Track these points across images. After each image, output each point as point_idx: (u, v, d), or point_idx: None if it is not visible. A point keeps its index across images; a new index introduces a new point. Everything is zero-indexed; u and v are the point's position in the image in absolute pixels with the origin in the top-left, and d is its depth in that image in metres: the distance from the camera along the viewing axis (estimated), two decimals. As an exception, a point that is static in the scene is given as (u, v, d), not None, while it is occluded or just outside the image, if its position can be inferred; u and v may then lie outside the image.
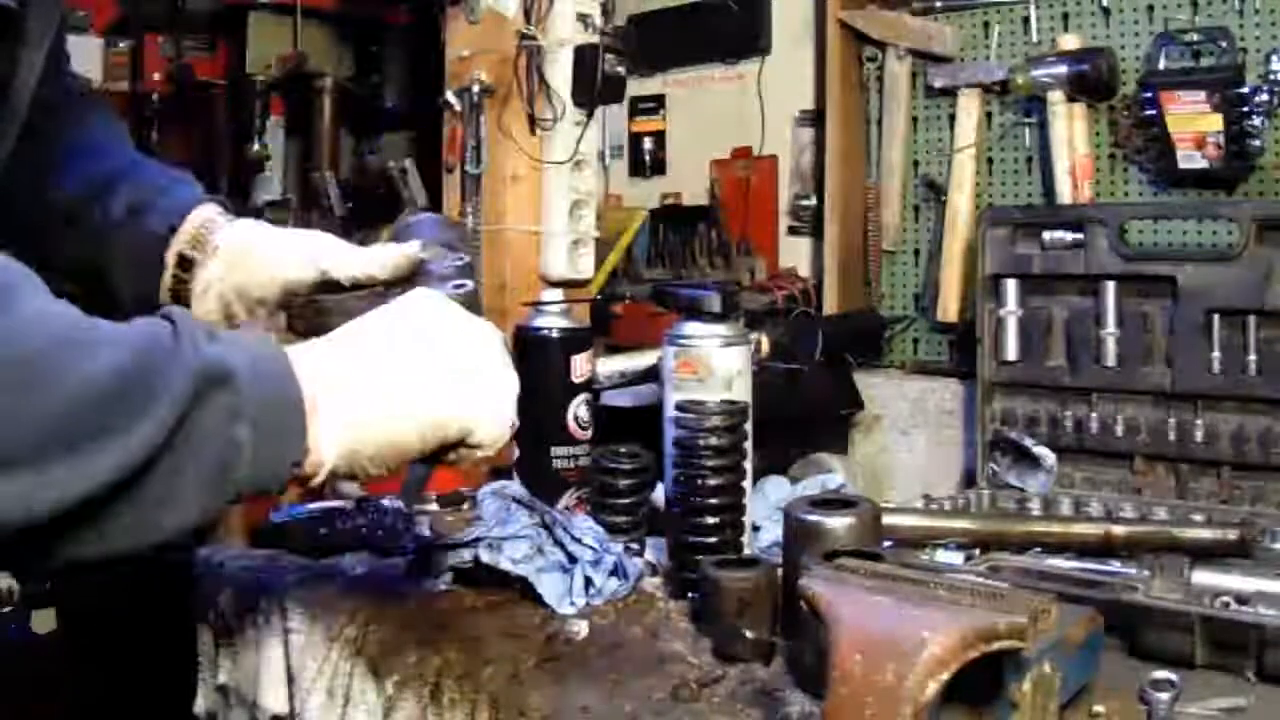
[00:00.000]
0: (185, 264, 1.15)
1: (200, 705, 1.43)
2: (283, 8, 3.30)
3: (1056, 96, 2.18)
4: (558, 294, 2.11)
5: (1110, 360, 1.85)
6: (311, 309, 1.14)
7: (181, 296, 1.16)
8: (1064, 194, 2.18)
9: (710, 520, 1.30)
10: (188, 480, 0.74)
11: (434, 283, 1.12)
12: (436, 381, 0.90)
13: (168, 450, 0.72)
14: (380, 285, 1.13)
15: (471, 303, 1.08)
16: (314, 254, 1.14)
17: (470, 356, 0.93)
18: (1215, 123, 1.97)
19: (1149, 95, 2.06)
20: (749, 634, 1.12)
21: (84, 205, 1.18)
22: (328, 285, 1.13)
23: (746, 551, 1.34)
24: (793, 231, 2.87)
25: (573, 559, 1.28)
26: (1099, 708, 1.00)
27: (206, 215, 1.17)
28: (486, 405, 0.92)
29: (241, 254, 1.15)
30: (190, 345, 0.75)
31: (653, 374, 1.87)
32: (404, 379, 0.88)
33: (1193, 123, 2.00)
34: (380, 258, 1.13)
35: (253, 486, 0.79)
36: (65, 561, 0.71)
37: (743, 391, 1.39)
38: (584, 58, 2.49)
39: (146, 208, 1.17)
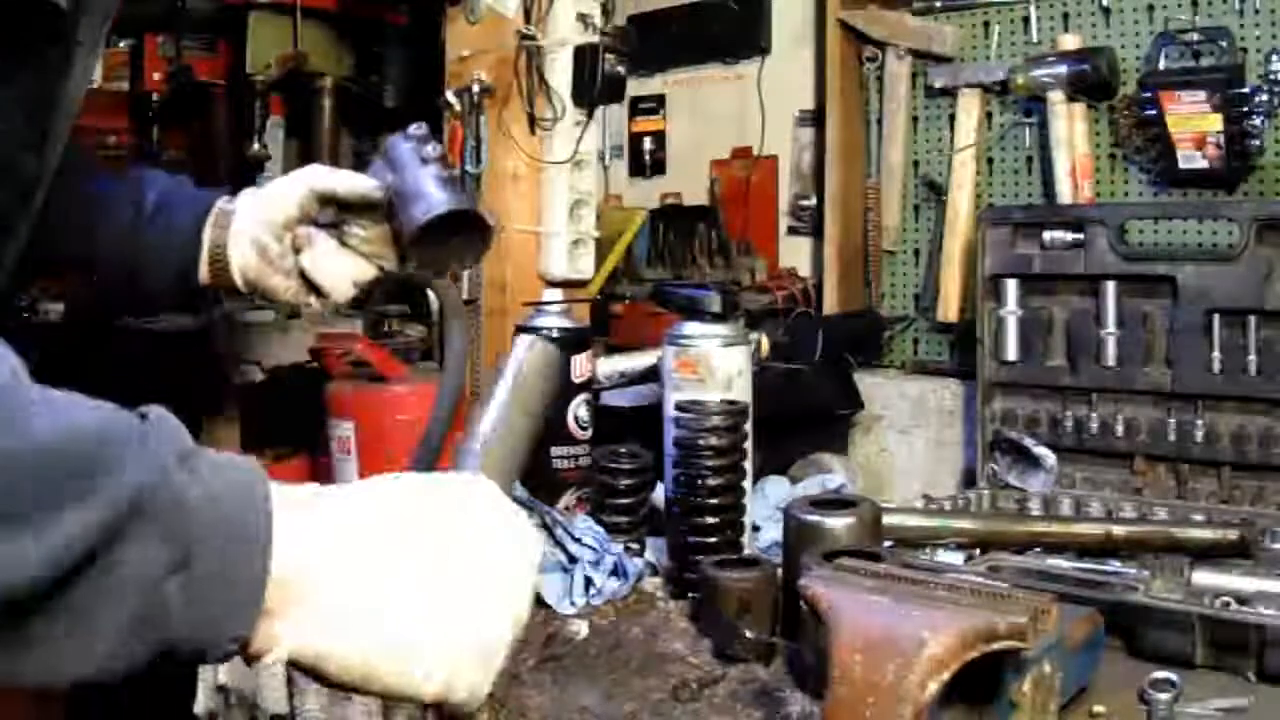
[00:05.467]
0: (219, 230, 1.35)
1: (200, 705, 1.43)
2: (283, 8, 3.29)
3: (1056, 96, 2.18)
4: (558, 294, 2.11)
5: (1110, 360, 1.85)
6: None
7: (216, 266, 1.35)
8: (1064, 194, 2.18)
9: (710, 520, 1.30)
10: (103, 614, 0.62)
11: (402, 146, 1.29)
12: (438, 629, 0.72)
13: (89, 566, 0.60)
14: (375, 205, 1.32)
15: (444, 156, 1.25)
16: (304, 177, 1.36)
17: (488, 595, 0.75)
18: (1215, 123, 1.97)
19: (1149, 95, 2.06)
20: (749, 634, 1.12)
21: (117, 200, 1.35)
22: (324, 199, 1.34)
23: (746, 551, 1.34)
24: (793, 231, 2.87)
25: (573, 559, 1.28)
26: (1099, 708, 1.00)
27: (223, 202, 1.38)
28: (468, 667, 0.73)
29: (253, 197, 1.38)
30: (154, 453, 0.63)
31: (653, 374, 1.87)
32: (402, 607, 0.72)
33: (1193, 123, 1.99)
34: (347, 183, 1.34)
35: (185, 650, 0.66)
36: None
37: (743, 391, 1.39)
38: (584, 58, 2.49)
39: (173, 203, 1.37)
